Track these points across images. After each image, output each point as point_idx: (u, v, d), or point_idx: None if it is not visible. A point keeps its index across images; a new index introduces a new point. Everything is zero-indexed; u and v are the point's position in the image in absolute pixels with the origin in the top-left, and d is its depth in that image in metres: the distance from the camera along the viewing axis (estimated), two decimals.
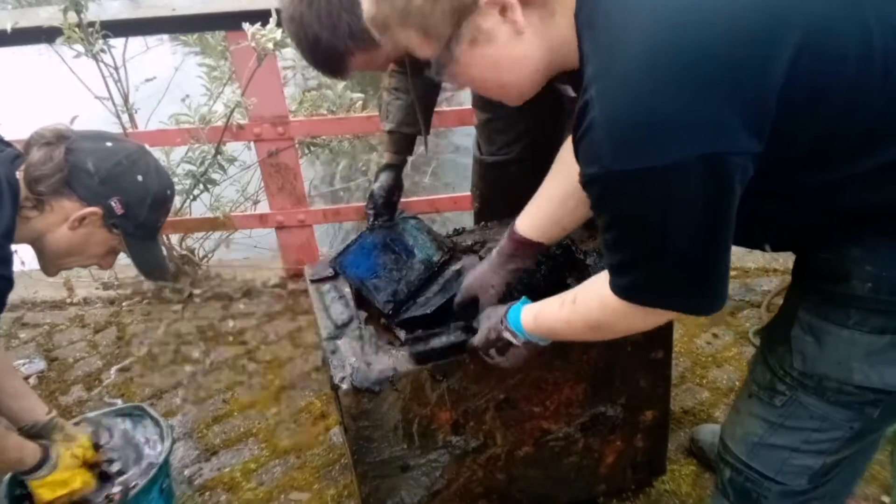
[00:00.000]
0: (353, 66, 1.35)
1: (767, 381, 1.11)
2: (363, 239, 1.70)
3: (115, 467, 1.62)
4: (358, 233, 1.73)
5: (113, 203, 1.33)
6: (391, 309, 1.64)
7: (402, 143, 1.78)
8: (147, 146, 1.48)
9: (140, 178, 1.37)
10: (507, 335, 1.21)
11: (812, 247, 1.00)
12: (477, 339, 1.29)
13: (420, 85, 1.71)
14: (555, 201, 1.29)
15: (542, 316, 1.17)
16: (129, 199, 1.35)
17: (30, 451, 1.45)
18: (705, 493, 1.78)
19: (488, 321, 1.27)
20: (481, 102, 1.90)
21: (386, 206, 1.74)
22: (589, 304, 1.06)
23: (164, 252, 1.62)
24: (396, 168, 1.80)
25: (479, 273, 1.40)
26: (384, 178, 1.77)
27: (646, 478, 1.77)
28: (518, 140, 1.87)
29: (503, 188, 1.75)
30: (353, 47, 1.30)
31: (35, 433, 1.57)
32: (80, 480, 1.53)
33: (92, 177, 1.31)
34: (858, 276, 0.93)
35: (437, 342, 1.36)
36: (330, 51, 1.30)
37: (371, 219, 1.73)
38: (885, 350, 0.95)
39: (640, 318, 1.00)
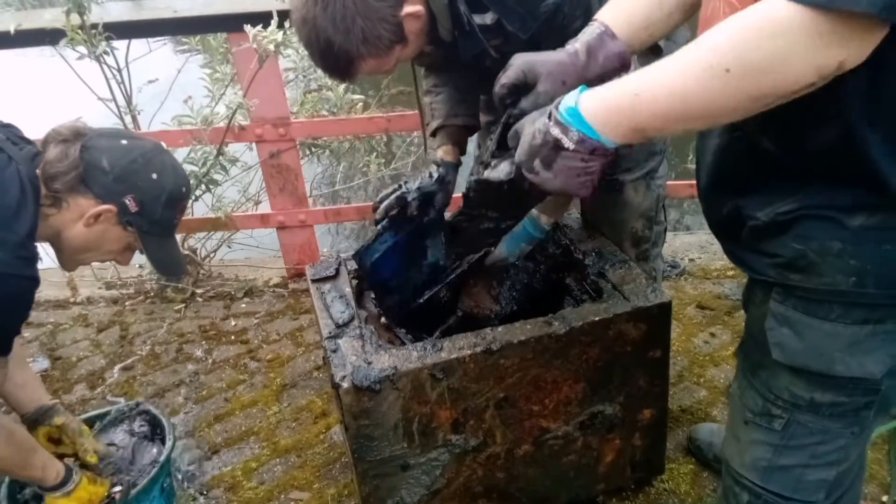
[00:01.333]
0: (362, 70, 1.35)
1: (761, 406, 1.10)
2: (391, 237, 1.58)
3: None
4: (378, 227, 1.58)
5: (127, 201, 1.35)
6: (393, 319, 1.65)
7: (457, 135, 1.68)
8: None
9: (155, 176, 1.38)
10: (554, 131, 0.90)
11: (789, 225, 0.96)
12: (518, 152, 0.97)
13: (462, 78, 1.65)
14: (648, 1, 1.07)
15: (625, 78, 0.86)
16: (143, 196, 1.36)
17: (52, 471, 1.46)
18: (704, 491, 1.79)
19: (532, 124, 0.96)
20: (484, 105, 1.90)
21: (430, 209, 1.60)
22: (732, 26, 0.75)
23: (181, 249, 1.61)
24: (455, 165, 1.66)
25: (551, 58, 1.08)
26: (446, 175, 1.61)
27: (645, 476, 1.78)
28: None
29: None
30: (366, 52, 1.30)
31: (37, 418, 1.59)
32: None
33: (107, 174, 1.33)
34: (842, 271, 0.92)
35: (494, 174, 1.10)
36: (342, 55, 1.30)
37: (389, 212, 1.55)
38: (865, 340, 0.96)
39: (810, 42, 0.71)
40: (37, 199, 1.27)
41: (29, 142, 1.38)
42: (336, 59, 1.31)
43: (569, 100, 0.90)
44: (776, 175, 0.95)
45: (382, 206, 1.55)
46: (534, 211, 1.58)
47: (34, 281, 1.25)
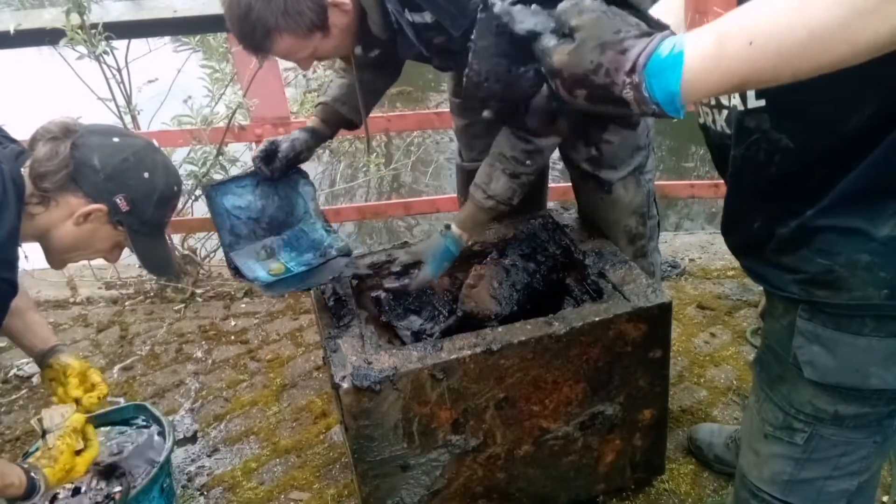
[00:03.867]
0: (278, 46, 1.33)
1: (781, 420, 1.08)
2: (250, 183, 1.71)
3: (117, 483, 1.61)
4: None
5: (118, 200, 1.33)
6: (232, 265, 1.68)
7: (331, 117, 1.74)
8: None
9: (147, 175, 1.36)
10: (628, 94, 0.69)
11: (812, 236, 0.94)
12: (565, 61, 0.72)
13: (367, 78, 1.68)
14: None
15: (720, 28, 0.67)
16: (134, 196, 1.34)
17: (12, 477, 1.35)
18: (704, 492, 1.79)
19: (601, 49, 0.70)
20: (459, 108, 1.86)
21: (281, 165, 1.68)
22: None
23: (171, 248, 1.59)
24: (317, 136, 1.73)
25: None
26: (300, 137, 1.69)
27: (645, 477, 1.78)
28: None
29: None
30: (284, 26, 1.28)
31: (41, 361, 1.57)
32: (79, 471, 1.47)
33: (97, 173, 1.31)
34: (873, 284, 0.89)
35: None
36: (259, 23, 1.28)
37: (263, 169, 1.68)
38: None
39: None
40: (20, 199, 1.23)
41: (14, 140, 1.35)
42: (253, 27, 1.29)
43: (664, 65, 0.68)
44: (799, 177, 0.93)
45: (255, 153, 1.69)
46: (455, 229, 1.58)
47: (12, 286, 1.21)
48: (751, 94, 0.90)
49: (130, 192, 1.34)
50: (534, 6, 0.78)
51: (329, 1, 1.28)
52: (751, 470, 1.18)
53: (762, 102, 0.89)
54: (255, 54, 1.39)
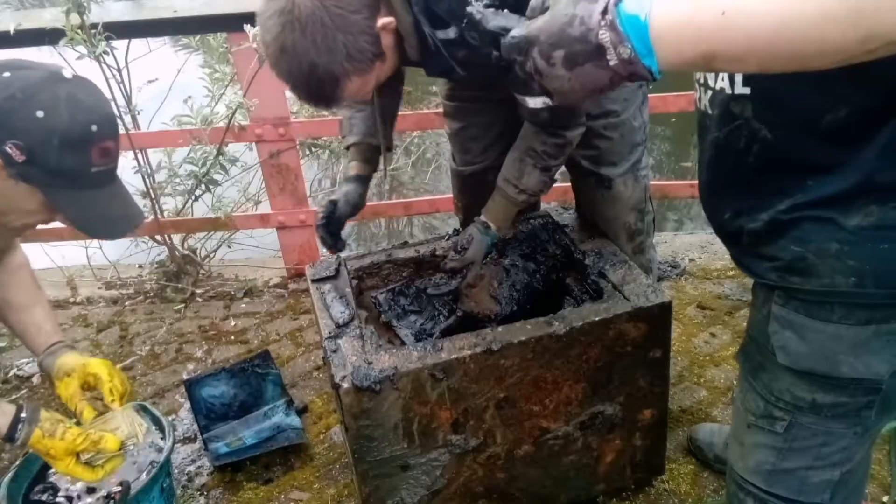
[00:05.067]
0: (348, 91, 1.31)
1: (762, 409, 1.10)
2: (225, 377, 2.01)
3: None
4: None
5: (8, 149, 1.08)
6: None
7: (369, 153, 1.75)
8: (85, 80, 1.22)
9: (40, 113, 1.10)
10: (605, 36, 0.69)
11: (787, 227, 0.96)
12: (538, 26, 0.74)
13: (381, 101, 1.69)
14: None
15: None
16: (28, 141, 1.09)
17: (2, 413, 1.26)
18: (704, 492, 1.79)
19: (574, 2, 0.72)
20: (453, 111, 1.86)
21: (340, 222, 1.69)
22: None
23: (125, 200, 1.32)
24: (365, 181, 1.75)
25: None
26: (352, 189, 1.71)
27: (645, 477, 1.78)
28: (493, 145, 1.82)
29: (484, 197, 1.66)
30: (351, 69, 1.26)
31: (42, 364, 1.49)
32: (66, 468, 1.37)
33: None
34: (841, 272, 0.92)
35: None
36: (327, 76, 1.25)
37: (326, 238, 1.68)
38: (869, 340, 0.95)
39: None
40: None
41: None
42: (321, 83, 1.26)
43: (635, 5, 0.68)
44: (774, 171, 0.95)
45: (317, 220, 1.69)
46: (491, 224, 1.60)
47: None
48: (738, 79, 0.93)
49: (21, 136, 1.09)
50: (505, 10, 0.84)
51: (379, 26, 1.26)
52: (736, 461, 1.19)
53: (748, 90, 0.92)
54: (326, 107, 1.37)
